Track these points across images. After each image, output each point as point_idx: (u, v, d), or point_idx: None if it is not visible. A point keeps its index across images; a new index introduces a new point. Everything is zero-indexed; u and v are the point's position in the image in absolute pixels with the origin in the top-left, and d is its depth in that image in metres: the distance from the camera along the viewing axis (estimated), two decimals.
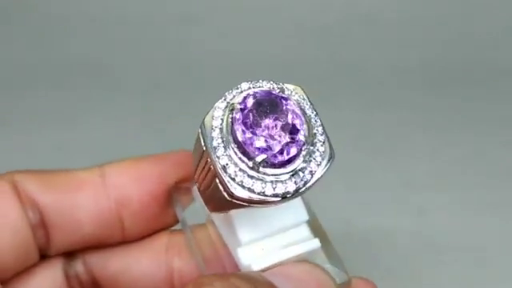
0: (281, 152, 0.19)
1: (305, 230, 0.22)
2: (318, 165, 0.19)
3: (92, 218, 0.24)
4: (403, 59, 0.59)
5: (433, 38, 0.60)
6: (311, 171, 0.19)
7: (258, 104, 0.19)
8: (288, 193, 0.19)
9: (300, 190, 0.19)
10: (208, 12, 0.62)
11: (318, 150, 0.19)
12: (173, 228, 0.26)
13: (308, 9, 0.62)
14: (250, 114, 0.19)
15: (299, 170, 0.19)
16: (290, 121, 0.19)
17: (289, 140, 0.19)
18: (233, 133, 0.19)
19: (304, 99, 0.20)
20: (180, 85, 0.56)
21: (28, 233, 0.23)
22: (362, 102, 0.54)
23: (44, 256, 0.24)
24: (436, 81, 0.57)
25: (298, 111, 0.19)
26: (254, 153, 0.18)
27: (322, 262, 0.21)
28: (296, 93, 0.20)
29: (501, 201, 0.43)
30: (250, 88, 0.20)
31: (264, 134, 0.19)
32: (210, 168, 0.19)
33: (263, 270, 0.20)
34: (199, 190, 0.20)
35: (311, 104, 0.20)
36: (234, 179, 0.18)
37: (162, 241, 0.26)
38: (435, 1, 0.61)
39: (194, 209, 0.24)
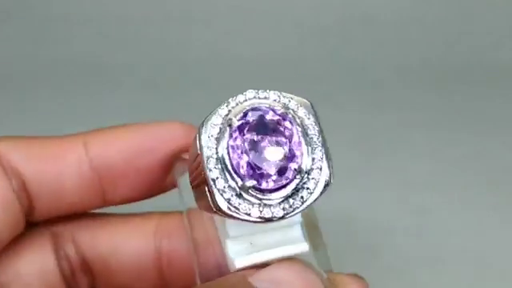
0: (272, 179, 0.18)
1: (297, 231, 0.21)
2: (311, 193, 0.18)
3: (74, 186, 0.24)
4: (403, 59, 0.59)
5: (433, 38, 0.60)
6: (302, 198, 0.18)
7: (257, 124, 0.19)
8: (274, 217, 0.18)
9: (287, 216, 0.18)
10: (208, 12, 0.62)
11: (313, 177, 0.19)
12: (164, 210, 0.26)
13: (308, 9, 0.62)
14: (247, 134, 0.18)
15: (290, 196, 0.18)
16: (286, 147, 0.18)
17: (281, 168, 0.18)
18: (227, 150, 0.18)
19: (309, 117, 0.19)
20: (180, 85, 0.56)
21: (15, 201, 0.23)
22: (362, 101, 0.54)
23: (29, 223, 0.24)
24: (436, 81, 0.57)
25: (298, 135, 0.19)
26: (244, 176, 0.18)
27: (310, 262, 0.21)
28: (301, 107, 0.19)
29: (501, 201, 0.43)
30: (254, 97, 0.19)
31: (260, 158, 0.18)
32: (201, 173, 0.19)
33: (246, 268, 0.20)
34: (191, 185, 0.20)
35: (317, 122, 0.19)
36: (222, 194, 0.18)
37: (151, 222, 0.25)
38: (435, 1, 0.61)
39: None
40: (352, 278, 0.22)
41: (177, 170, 0.24)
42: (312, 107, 0.20)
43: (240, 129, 0.18)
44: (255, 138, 0.18)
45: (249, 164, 0.18)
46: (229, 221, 0.20)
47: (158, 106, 0.53)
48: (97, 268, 0.25)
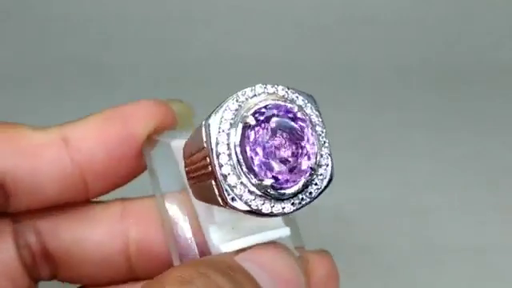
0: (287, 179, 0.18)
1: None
2: (318, 188, 0.19)
3: (54, 182, 0.23)
4: (403, 59, 0.59)
5: (433, 38, 0.60)
6: (310, 193, 0.19)
7: (273, 122, 0.18)
8: (284, 213, 0.19)
9: (297, 210, 0.19)
10: (208, 12, 0.62)
11: (320, 173, 0.19)
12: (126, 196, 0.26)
13: (308, 9, 0.62)
14: (264, 132, 0.18)
15: (299, 192, 0.19)
16: (303, 146, 0.19)
17: (294, 166, 0.18)
18: (241, 146, 0.18)
19: (316, 114, 0.20)
20: (180, 85, 0.56)
21: None
22: (362, 102, 0.54)
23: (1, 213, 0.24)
24: (436, 81, 0.57)
25: (311, 134, 0.19)
26: (261, 174, 0.18)
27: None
28: (308, 103, 0.20)
29: (501, 201, 0.43)
30: (263, 92, 0.19)
31: (274, 156, 0.18)
32: (207, 165, 0.18)
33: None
34: (187, 175, 0.20)
35: (321, 117, 0.20)
36: (232, 190, 0.18)
37: (115, 209, 0.25)
38: (435, 1, 0.61)
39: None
40: (318, 254, 0.23)
41: (147, 152, 0.24)
42: (315, 102, 0.20)
43: (255, 127, 0.18)
44: (270, 136, 0.18)
45: (263, 162, 0.18)
46: (216, 207, 0.20)
47: None
48: (59, 257, 0.25)
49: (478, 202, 0.43)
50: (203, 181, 0.19)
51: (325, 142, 0.19)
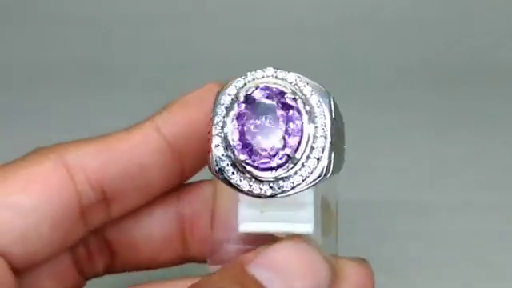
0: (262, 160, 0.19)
1: (307, 213, 0.22)
2: (303, 179, 0.19)
3: (158, 174, 0.24)
4: (403, 59, 0.59)
5: (433, 38, 0.60)
6: (292, 183, 0.19)
7: (259, 104, 0.19)
8: (262, 195, 0.19)
9: (276, 196, 0.19)
10: (208, 12, 0.62)
11: (308, 166, 0.19)
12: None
13: (308, 9, 0.62)
14: (247, 112, 0.19)
15: (280, 178, 0.19)
16: (280, 133, 0.19)
17: (272, 153, 0.19)
18: (231, 122, 0.19)
19: (319, 106, 0.20)
20: (180, 85, 0.56)
21: (69, 223, 0.22)
22: (362, 102, 0.54)
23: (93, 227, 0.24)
24: (436, 81, 0.57)
25: (295, 124, 0.19)
26: (237, 150, 0.19)
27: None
28: (314, 94, 0.20)
29: (501, 201, 0.43)
30: (272, 75, 0.20)
31: (253, 137, 0.19)
32: (209, 132, 0.20)
33: (248, 234, 0.21)
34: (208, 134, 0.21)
35: (329, 111, 0.20)
36: (220, 161, 0.19)
37: (171, 191, 0.26)
38: (435, 1, 0.61)
39: None
40: (353, 261, 0.22)
41: None
42: (327, 96, 0.20)
43: (245, 104, 0.19)
44: (255, 117, 0.19)
45: (241, 140, 0.19)
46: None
47: (157, 107, 0.53)
48: (120, 244, 0.25)
49: (478, 202, 0.43)
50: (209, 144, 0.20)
51: (322, 136, 0.19)
